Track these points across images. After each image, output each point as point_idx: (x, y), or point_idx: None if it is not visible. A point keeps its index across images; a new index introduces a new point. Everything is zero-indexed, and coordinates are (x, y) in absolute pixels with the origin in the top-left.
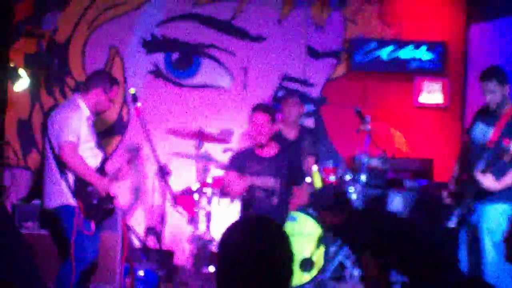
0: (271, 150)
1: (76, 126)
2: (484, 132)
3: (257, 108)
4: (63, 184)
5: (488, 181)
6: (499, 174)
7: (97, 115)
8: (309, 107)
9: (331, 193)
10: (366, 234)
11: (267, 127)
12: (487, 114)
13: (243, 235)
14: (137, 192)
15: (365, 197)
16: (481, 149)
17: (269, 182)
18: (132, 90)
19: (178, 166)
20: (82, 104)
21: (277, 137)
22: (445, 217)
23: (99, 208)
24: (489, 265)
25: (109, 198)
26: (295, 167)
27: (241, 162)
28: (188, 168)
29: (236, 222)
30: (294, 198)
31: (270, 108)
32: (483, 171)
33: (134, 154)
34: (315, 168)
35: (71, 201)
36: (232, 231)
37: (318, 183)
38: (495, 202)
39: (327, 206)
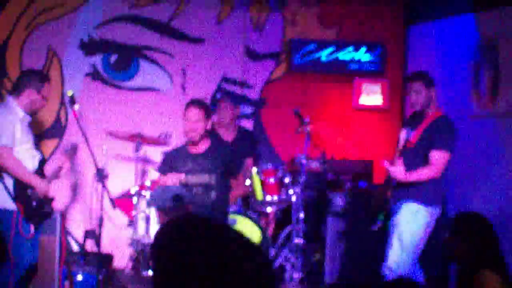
0: (202, 146)
1: (9, 129)
2: (408, 135)
3: (190, 103)
4: (1, 187)
5: (396, 170)
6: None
7: (33, 114)
8: (248, 109)
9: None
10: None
11: (200, 123)
12: (413, 118)
13: (174, 235)
14: (76, 195)
15: (305, 199)
16: (402, 151)
17: (205, 178)
18: (69, 92)
19: (117, 169)
20: (15, 105)
21: (215, 139)
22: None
23: (38, 210)
24: (391, 258)
25: (48, 201)
26: (228, 159)
27: (174, 161)
28: (127, 171)
29: (167, 223)
30: (232, 190)
31: (204, 104)
32: None
33: (72, 153)
34: (254, 170)
35: (9, 204)
36: (163, 232)
37: (257, 185)
38: (409, 200)
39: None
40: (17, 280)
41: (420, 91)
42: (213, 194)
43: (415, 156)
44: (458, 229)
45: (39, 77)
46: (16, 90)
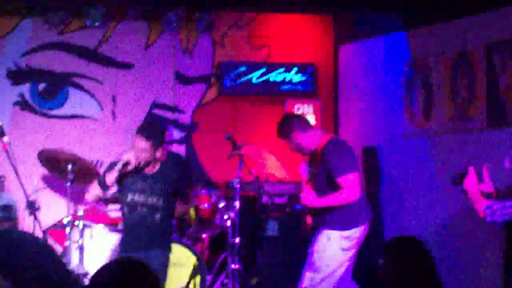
0: (153, 168)
1: None
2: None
3: (138, 131)
4: None
5: (306, 197)
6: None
7: None
8: (180, 134)
9: None
10: None
11: (145, 153)
12: (311, 157)
13: (111, 276)
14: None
15: (240, 223)
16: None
17: (152, 199)
18: None
19: (48, 199)
20: None
21: (168, 160)
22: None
23: None
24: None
25: None
26: (178, 181)
27: (124, 180)
28: (59, 200)
29: (107, 263)
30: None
31: (151, 134)
32: None
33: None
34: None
35: None
36: (102, 272)
37: (191, 211)
38: (324, 227)
39: None
40: None
41: (298, 141)
42: (157, 217)
43: (322, 188)
44: (392, 253)
45: None
46: None
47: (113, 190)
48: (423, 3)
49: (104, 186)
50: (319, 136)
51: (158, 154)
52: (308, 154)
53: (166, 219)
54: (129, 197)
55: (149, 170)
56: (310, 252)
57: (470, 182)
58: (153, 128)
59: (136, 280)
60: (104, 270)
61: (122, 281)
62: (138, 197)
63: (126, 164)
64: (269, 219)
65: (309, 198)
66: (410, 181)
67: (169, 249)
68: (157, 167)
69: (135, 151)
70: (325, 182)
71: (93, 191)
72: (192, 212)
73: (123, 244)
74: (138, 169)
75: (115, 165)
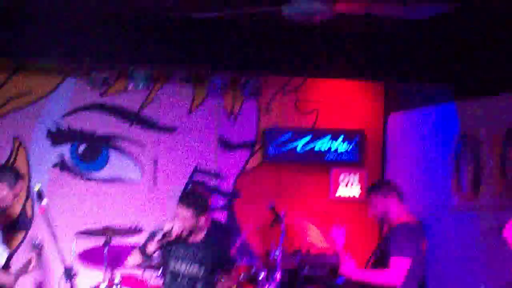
0: (197, 236)
1: None
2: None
3: (180, 200)
4: None
5: (345, 265)
6: None
7: (1, 211)
8: (221, 201)
9: None
10: None
11: (188, 222)
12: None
13: None
14: None
15: None
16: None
17: (194, 269)
18: (37, 187)
19: (85, 263)
20: None
21: (212, 231)
22: None
23: None
24: None
25: None
26: (222, 254)
27: (168, 247)
28: (96, 266)
29: None
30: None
31: (193, 202)
32: None
33: (38, 250)
34: None
35: None
36: None
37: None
38: None
39: None
40: None
41: (376, 203)
42: (198, 287)
43: (376, 260)
44: None
45: (14, 174)
46: None
47: (154, 259)
48: (475, 75)
49: (145, 255)
50: (398, 213)
51: (201, 222)
52: (383, 223)
53: None
54: (172, 265)
55: (192, 239)
56: None
57: None
58: (195, 196)
59: None
60: None
61: None
62: (179, 266)
63: (167, 234)
64: None
65: (349, 268)
66: (455, 254)
67: None
68: (201, 235)
69: (178, 220)
70: (380, 261)
71: (133, 259)
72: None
73: None
74: (181, 239)
75: (156, 234)
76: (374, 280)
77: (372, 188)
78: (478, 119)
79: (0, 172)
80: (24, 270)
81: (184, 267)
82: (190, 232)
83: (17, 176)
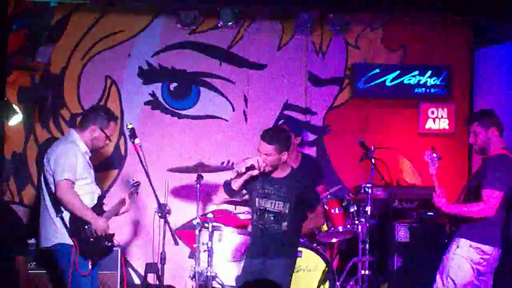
0: (283, 172)
1: (71, 163)
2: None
3: (262, 136)
4: (59, 223)
5: (437, 200)
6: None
7: (94, 150)
8: (312, 136)
9: None
10: None
11: (271, 157)
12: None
13: None
14: (137, 229)
15: (370, 228)
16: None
17: (279, 206)
18: (129, 125)
19: (178, 200)
20: (78, 140)
21: (299, 166)
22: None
23: (96, 246)
24: None
25: (107, 236)
26: (306, 189)
27: (255, 181)
28: (188, 201)
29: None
30: (308, 222)
31: (275, 138)
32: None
33: (134, 190)
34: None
35: (67, 240)
36: None
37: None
38: (459, 236)
39: None
40: None
41: (478, 132)
42: (284, 224)
43: (469, 193)
44: None
45: (106, 115)
46: (81, 124)
47: (241, 194)
48: None
49: (230, 192)
50: (496, 145)
51: (284, 158)
52: (480, 154)
53: (293, 227)
54: (257, 202)
55: (277, 175)
56: (443, 259)
57: None
58: (276, 132)
59: None
60: None
61: None
62: (265, 203)
63: (249, 168)
64: (400, 225)
65: (442, 201)
66: None
67: (294, 257)
68: (287, 172)
69: (260, 156)
70: (473, 192)
71: (220, 195)
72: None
73: (249, 250)
74: (265, 175)
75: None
76: (467, 213)
77: (475, 116)
78: None
79: (93, 113)
80: (116, 211)
81: (269, 204)
82: (274, 168)
83: (110, 117)
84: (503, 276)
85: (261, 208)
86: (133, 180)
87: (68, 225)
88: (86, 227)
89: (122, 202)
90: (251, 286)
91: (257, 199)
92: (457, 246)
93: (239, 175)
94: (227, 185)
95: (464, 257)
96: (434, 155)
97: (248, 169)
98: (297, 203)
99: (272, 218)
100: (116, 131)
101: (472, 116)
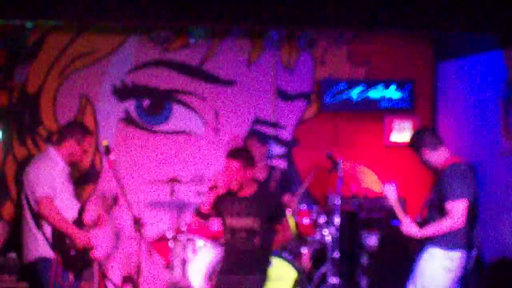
0: (249, 190)
1: (50, 178)
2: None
3: (228, 154)
4: (40, 237)
5: (407, 229)
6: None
7: (71, 165)
8: (281, 150)
9: None
10: None
11: (237, 173)
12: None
13: None
14: (113, 242)
15: (340, 239)
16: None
17: (249, 222)
18: (105, 142)
19: (152, 212)
20: (56, 155)
21: (262, 184)
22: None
23: (77, 259)
24: None
25: (87, 249)
26: (273, 204)
27: (221, 203)
28: (163, 214)
29: None
30: (277, 236)
31: (240, 154)
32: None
33: (111, 203)
34: (288, 211)
35: (49, 253)
36: None
37: (292, 226)
38: (429, 245)
39: None
40: None
41: (426, 158)
42: (256, 240)
43: (433, 208)
44: (492, 276)
45: (81, 130)
46: (58, 140)
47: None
48: None
49: (201, 215)
50: (446, 156)
51: (250, 174)
52: (433, 171)
53: (265, 242)
54: (228, 221)
55: (245, 193)
56: (413, 270)
57: None
58: (240, 150)
59: None
60: None
61: None
62: (236, 222)
63: (212, 188)
64: (368, 234)
65: (412, 229)
66: (505, 198)
67: (266, 271)
68: (254, 189)
69: (226, 173)
70: (436, 206)
71: (194, 220)
72: (292, 227)
73: (223, 266)
74: (232, 194)
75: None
76: (440, 232)
77: (417, 143)
78: None
79: (68, 128)
80: (94, 224)
81: (240, 221)
82: (241, 187)
83: (85, 131)
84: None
85: (232, 227)
86: (110, 195)
87: (49, 239)
88: (67, 240)
89: (99, 217)
90: None
91: (227, 218)
92: (430, 255)
93: (205, 195)
94: (196, 210)
95: (438, 266)
96: (391, 187)
97: (212, 188)
98: (267, 218)
99: (244, 235)
100: (91, 145)
101: (414, 143)
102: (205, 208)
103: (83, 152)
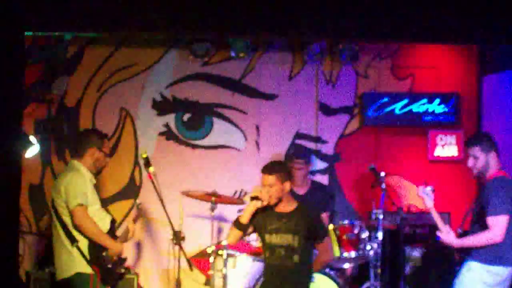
0: (289, 206)
1: (82, 189)
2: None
3: (263, 169)
4: (75, 252)
5: (445, 237)
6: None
7: (98, 173)
8: (323, 164)
9: None
10: None
11: (274, 188)
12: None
13: None
14: (152, 257)
15: (383, 254)
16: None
17: (288, 239)
18: (144, 154)
19: (192, 227)
20: (81, 167)
21: (304, 201)
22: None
23: (113, 272)
24: None
25: (122, 261)
26: (313, 221)
27: (260, 219)
28: (203, 229)
29: None
30: (319, 256)
31: (276, 169)
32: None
33: (138, 212)
34: (330, 226)
35: (85, 269)
36: None
37: (334, 242)
38: (469, 259)
39: None
40: None
41: (477, 156)
42: (295, 258)
43: (475, 221)
44: None
45: (98, 135)
46: (79, 153)
47: (250, 230)
48: None
49: (239, 225)
50: (494, 165)
51: (287, 188)
52: (477, 178)
53: (304, 260)
54: (267, 238)
55: (284, 209)
56: (454, 283)
57: None
58: (274, 164)
59: None
60: None
61: None
62: (274, 239)
63: (254, 198)
64: (411, 249)
65: (450, 237)
66: None
67: None
68: (294, 206)
69: (264, 188)
70: (478, 219)
71: (232, 232)
72: (334, 242)
73: (263, 283)
74: (270, 209)
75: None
76: (476, 244)
77: (475, 140)
78: None
79: (85, 138)
80: (125, 237)
81: (278, 238)
82: (279, 202)
83: (102, 136)
84: None
85: (271, 244)
86: (136, 203)
87: (85, 254)
88: (103, 253)
89: (127, 230)
90: None
91: (266, 235)
92: (468, 269)
93: (246, 206)
94: (236, 221)
95: (476, 280)
96: (428, 188)
97: (253, 198)
98: (306, 235)
99: (283, 253)
100: (131, 159)
101: (471, 139)
102: (245, 219)
103: (106, 156)
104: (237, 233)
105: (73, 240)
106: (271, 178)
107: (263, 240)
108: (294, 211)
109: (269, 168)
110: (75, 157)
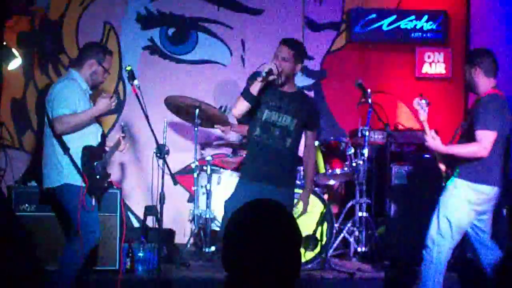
0: (292, 88)
1: (71, 99)
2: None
3: (283, 41)
4: (65, 162)
5: (430, 141)
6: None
7: (94, 88)
8: (309, 81)
9: None
10: None
11: (287, 63)
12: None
13: (252, 218)
14: (136, 172)
15: (368, 172)
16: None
17: (286, 120)
18: (128, 67)
19: (177, 144)
20: (78, 77)
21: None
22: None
23: (100, 183)
24: (432, 231)
25: (107, 175)
26: (312, 113)
27: (263, 93)
28: (187, 146)
29: (246, 204)
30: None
31: (296, 45)
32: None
33: (125, 132)
34: (316, 143)
35: (73, 179)
36: (241, 213)
37: (319, 159)
38: (455, 177)
39: None
40: (87, 254)
41: (465, 71)
42: (288, 141)
43: (464, 136)
44: None
45: (101, 49)
46: (78, 62)
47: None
48: None
49: (249, 96)
50: (488, 87)
51: (298, 69)
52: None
53: (295, 147)
54: (265, 114)
55: (287, 89)
56: (439, 200)
57: None
58: (297, 41)
59: (276, 222)
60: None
61: (260, 223)
62: (274, 116)
63: (269, 72)
64: (397, 167)
65: (435, 142)
66: None
67: (293, 187)
68: (296, 89)
69: (278, 59)
70: (467, 133)
71: (240, 103)
72: (320, 159)
73: (246, 170)
74: (274, 86)
75: (258, 75)
76: (461, 154)
77: (466, 55)
78: None
79: (88, 49)
80: (114, 149)
81: (277, 117)
82: (285, 81)
83: (105, 51)
84: None
85: (269, 120)
86: (122, 123)
87: (76, 163)
88: (95, 163)
89: (118, 142)
90: (250, 209)
91: (266, 110)
92: (454, 187)
93: (261, 80)
94: (246, 90)
95: (461, 197)
96: (423, 101)
97: (268, 73)
98: (304, 121)
99: (277, 132)
100: (114, 74)
101: (473, 57)
102: (256, 90)
103: (105, 72)
104: (245, 104)
105: (65, 149)
106: (290, 53)
107: (260, 114)
108: (296, 93)
109: (290, 42)
110: (73, 66)
